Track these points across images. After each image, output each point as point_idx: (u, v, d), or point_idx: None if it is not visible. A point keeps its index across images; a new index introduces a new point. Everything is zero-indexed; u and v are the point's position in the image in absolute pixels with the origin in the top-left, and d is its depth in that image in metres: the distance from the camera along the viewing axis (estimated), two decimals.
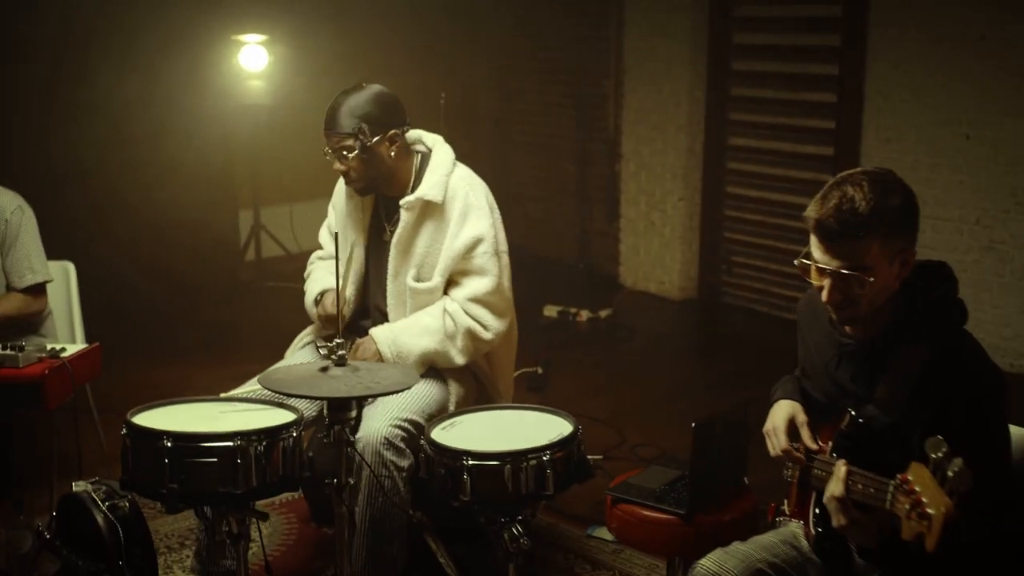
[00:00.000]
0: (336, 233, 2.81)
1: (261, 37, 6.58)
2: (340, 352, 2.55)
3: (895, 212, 2.13)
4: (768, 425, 2.41)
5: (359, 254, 3.31)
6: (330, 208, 3.43)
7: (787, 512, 2.47)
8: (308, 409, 3.03)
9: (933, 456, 1.86)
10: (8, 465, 3.65)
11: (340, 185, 3.34)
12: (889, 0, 5.56)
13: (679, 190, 6.72)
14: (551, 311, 6.41)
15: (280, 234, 7.13)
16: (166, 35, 6.21)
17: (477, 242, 3.12)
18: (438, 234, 3.14)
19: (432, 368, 3.17)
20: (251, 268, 7.12)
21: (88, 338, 4.03)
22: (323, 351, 2.62)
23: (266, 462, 2.55)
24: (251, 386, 3.00)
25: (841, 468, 2.08)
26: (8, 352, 3.25)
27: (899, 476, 1.92)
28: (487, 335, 3.15)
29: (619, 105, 7.02)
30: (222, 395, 2.99)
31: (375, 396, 2.68)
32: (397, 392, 2.54)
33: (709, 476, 2.77)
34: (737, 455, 2.88)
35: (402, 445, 2.92)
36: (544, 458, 2.50)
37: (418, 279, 3.15)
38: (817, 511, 2.30)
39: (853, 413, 2.22)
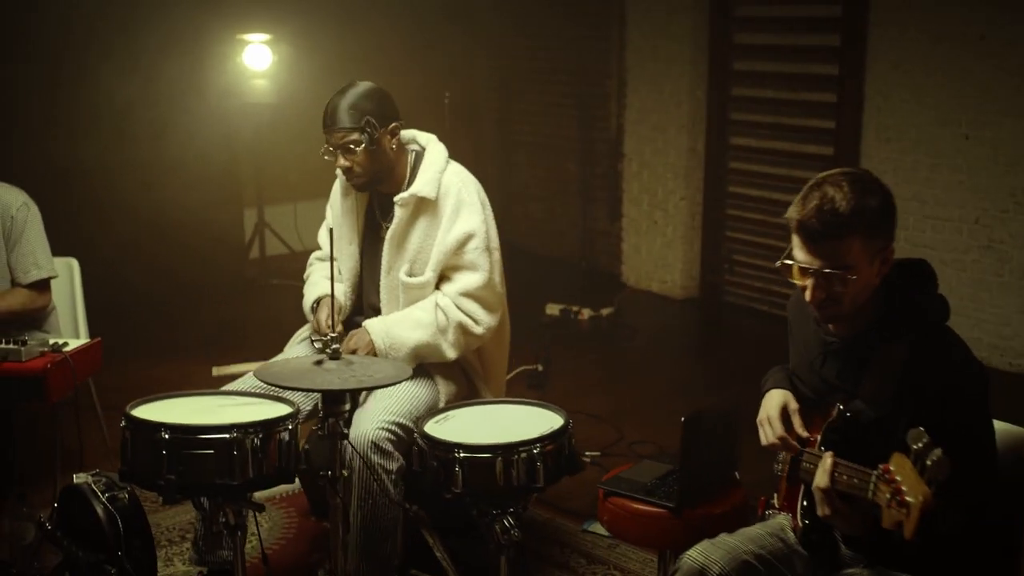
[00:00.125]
0: (331, 229, 2.85)
1: (265, 36, 6.64)
2: (334, 346, 2.59)
3: (875, 211, 2.17)
4: (762, 415, 2.44)
5: (354, 251, 3.35)
6: (328, 209, 3.47)
7: (776, 505, 2.51)
8: (305, 403, 3.07)
9: (914, 447, 1.90)
10: (11, 458, 3.69)
11: (337, 186, 3.39)
12: (889, 0, 5.59)
13: (681, 189, 6.75)
14: (553, 309, 6.45)
15: (284, 232, 7.19)
16: (169, 34, 6.26)
17: (469, 237, 3.16)
18: (431, 230, 3.18)
19: (421, 368, 3.20)
20: (255, 266, 7.17)
21: (92, 335, 4.08)
22: (317, 344, 2.67)
23: (262, 454, 2.59)
24: (247, 377, 3.04)
25: (827, 460, 2.11)
26: (10, 346, 3.30)
27: (881, 466, 1.96)
28: (478, 329, 3.19)
29: (621, 105, 7.06)
30: (213, 368, 3.02)
31: (368, 389, 2.72)
32: (390, 385, 2.57)
33: (699, 470, 2.80)
34: (728, 450, 2.91)
35: (390, 448, 2.95)
36: (535, 451, 2.55)
37: (411, 274, 3.20)
38: (805, 503, 2.34)
39: (841, 407, 2.26)
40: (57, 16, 5.93)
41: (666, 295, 6.92)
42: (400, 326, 3.16)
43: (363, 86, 3.15)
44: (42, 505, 3.48)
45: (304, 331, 3.50)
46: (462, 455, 2.53)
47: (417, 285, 3.19)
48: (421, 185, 3.17)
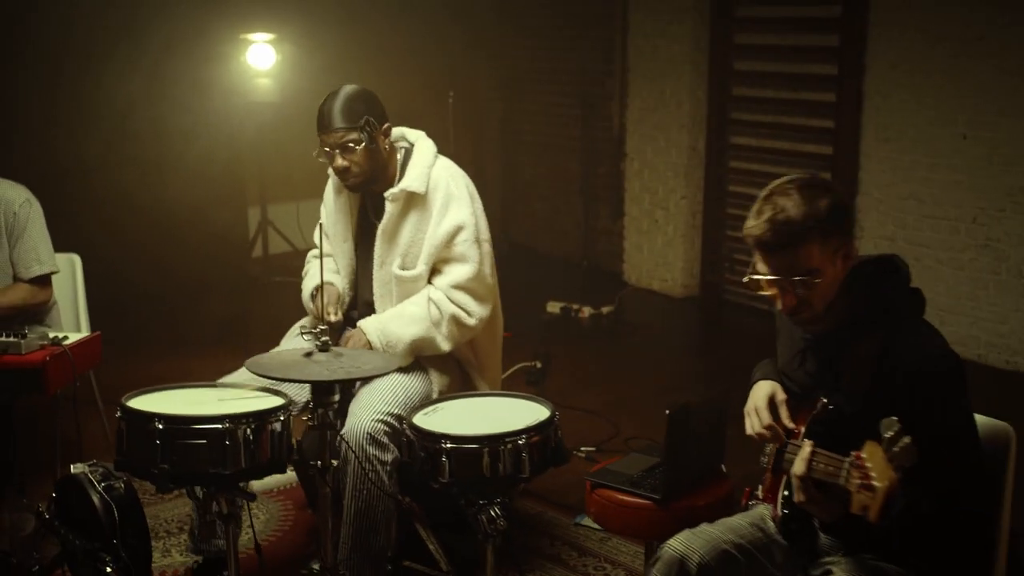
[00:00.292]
0: (320, 224, 2.90)
1: (269, 36, 6.69)
2: (324, 339, 2.64)
3: (826, 213, 2.20)
4: (749, 405, 2.48)
5: (349, 248, 3.40)
6: (322, 208, 3.53)
7: (760, 496, 2.55)
8: (298, 395, 3.12)
9: (885, 435, 1.94)
10: (11, 451, 3.74)
11: (329, 186, 3.45)
12: (888, 1, 5.61)
13: (681, 188, 6.79)
14: (554, 307, 6.49)
15: (287, 230, 7.24)
16: (173, 34, 6.32)
17: (458, 230, 3.22)
18: (422, 223, 3.23)
19: (415, 360, 3.25)
20: (258, 264, 7.22)
21: (94, 330, 4.12)
22: (307, 337, 2.71)
23: (255, 445, 2.63)
24: (243, 371, 3.09)
25: (806, 448, 2.15)
26: (10, 339, 3.35)
27: (853, 453, 2.01)
28: (471, 321, 3.24)
29: (623, 104, 7.10)
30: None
31: (356, 380, 2.77)
32: (378, 376, 2.61)
33: (684, 462, 2.83)
34: (715, 442, 2.95)
35: (385, 440, 2.99)
36: (520, 442, 2.58)
37: (403, 267, 3.25)
38: (786, 493, 2.37)
39: (825, 400, 2.30)
40: (60, 16, 5.99)
41: (666, 293, 6.95)
42: (394, 323, 3.21)
43: (355, 88, 3.20)
44: (42, 497, 3.53)
45: (304, 322, 3.54)
46: (449, 446, 2.57)
47: (410, 278, 3.24)
48: (410, 180, 3.22)
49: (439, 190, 3.23)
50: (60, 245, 4.01)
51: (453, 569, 3.23)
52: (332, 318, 3.19)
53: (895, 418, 1.96)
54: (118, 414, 2.71)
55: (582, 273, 7.13)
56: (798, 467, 2.14)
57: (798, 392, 2.46)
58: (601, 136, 7.33)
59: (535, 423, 2.65)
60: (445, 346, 3.24)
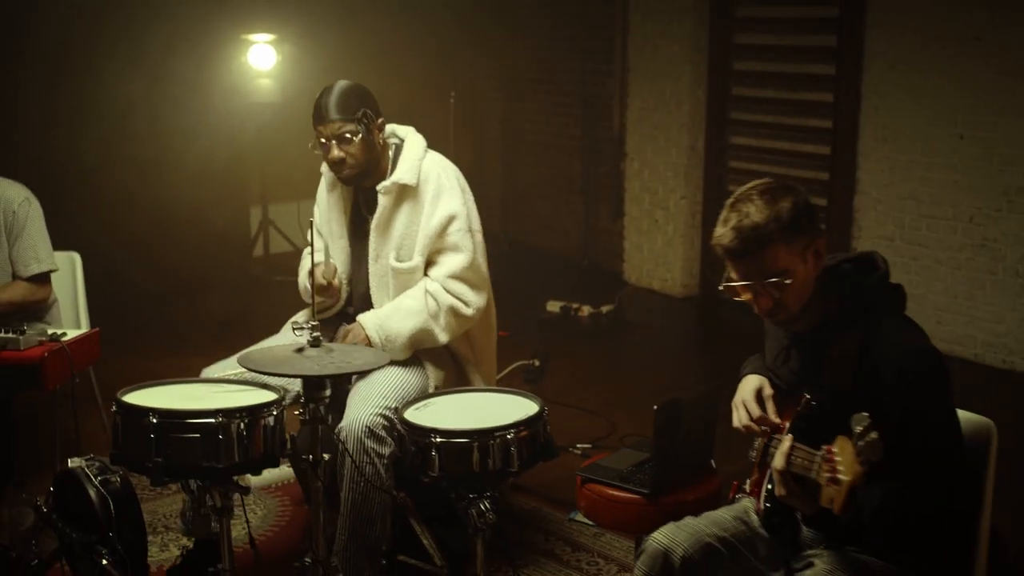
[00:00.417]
0: (312, 220, 2.93)
1: (270, 36, 6.73)
2: (315, 334, 2.68)
3: (788, 214, 2.23)
4: (737, 398, 2.52)
5: (344, 244, 3.44)
6: (315, 210, 3.57)
7: (747, 490, 2.57)
8: (292, 390, 3.15)
9: (855, 429, 1.97)
10: (11, 447, 3.77)
11: (322, 184, 3.49)
12: (886, 2, 5.63)
13: (681, 188, 6.81)
14: (554, 306, 6.52)
15: (288, 230, 7.28)
16: (174, 34, 6.36)
17: (451, 219, 3.26)
18: (415, 215, 3.27)
19: (412, 356, 3.28)
20: (260, 263, 7.26)
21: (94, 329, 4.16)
22: (298, 333, 2.75)
23: (248, 439, 2.66)
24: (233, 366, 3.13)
25: (785, 442, 2.18)
26: (9, 335, 3.39)
27: (824, 447, 2.04)
28: (468, 311, 3.29)
29: (623, 104, 7.13)
30: (204, 370, 3.11)
31: (346, 375, 2.80)
32: (367, 371, 2.64)
33: (673, 457, 2.86)
34: (705, 438, 2.97)
35: (383, 433, 3.03)
36: (509, 436, 2.61)
37: (399, 260, 3.29)
38: (769, 487, 2.40)
39: (808, 396, 2.33)
40: (60, 16, 6.02)
41: (666, 293, 6.98)
42: (393, 318, 3.24)
43: (349, 83, 3.25)
44: (42, 493, 3.56)
45: (299, 317, 3.58)
46: (438, 440, 2.61)
47: (407, 270, 3.28)
48: (402, 173, 3.27)
49: (430, 182, 3.27)
50: (60, 245, 4.05)
51: (446, 563, 3.25)
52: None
53: (866, 414, 1.99)
54: (113, 409, 2.74)
55: (582, 272, 7.16)
56: (777, 461, 2.17)
57: (784, 389, 2.49)
58: (601, 136, 7.36)
59: (524, 418, 2.68)
60: (443, 337, 3.28)
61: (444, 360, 3.36)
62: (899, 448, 2.12)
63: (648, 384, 5.32)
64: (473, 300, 3.30)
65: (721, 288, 2.35)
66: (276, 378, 2.79)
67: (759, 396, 2.48)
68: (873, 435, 1.94)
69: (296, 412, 2.73)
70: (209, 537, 3.09)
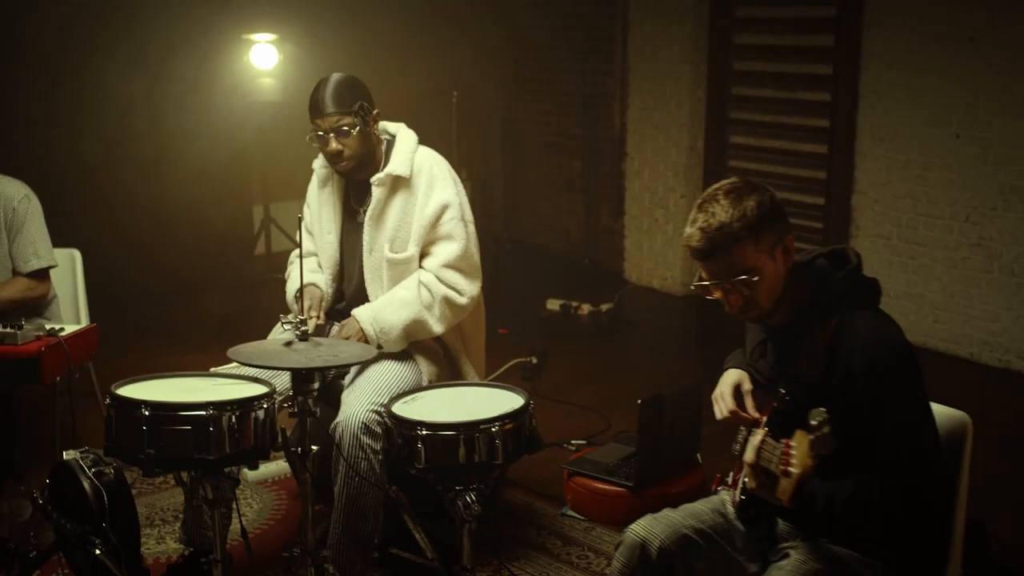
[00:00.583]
0: (299, 217, 2.98)
1: (271, 36, 6.77)
2: (303, 328, 2.72)
3: (753, 212, 2.26)
4: (716, 392, 2.56)
5: (333, 240, 3.49)
6: (305, 208, 3.61)
7: (729, 483, 2.61)
8: (285, 384, 3.19)
9: (811, 423, 2.01)
10: (10, 441, 3.82)
11: (313, 184, 3.54)
12: (883, 2, 5.66)
13: (681, 187, 6.84)
14: (553, 304, 6.55)
15: (290, 228, 7.32)
16: (176, 34, 6.40)
17: (444, 209, 3.31)
18: (408, 207, 3.32)
19: (404, 350, 3.32)
20: (261, 261, 7.31)
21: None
22: (286, 327, 2.79)
23: (238, 431, 2.70)
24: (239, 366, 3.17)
25: (756, 436, 2.22)
26: (7, 330, 3.44)
27: (784, 441, 2.08)
28: (462, 300, 3.33)
29: (623, 104, 7.16)
30: (211, 370, 3.15)
31: (334, 368, 2.84)
32: (355, 364, 2.67)
33: (658, 451, 2.89)
34: (690, 432, 3.01)
35: (378, 430, 3.06)
36: (494, 429, 2.65)
37: (393, 251, 3.33)
38: (745, 480, 2.44)
39: (783, 391, 2.36)
40: (60, 16, 6.07)
41: (666, 291, 7.01)
42: (387, 310, 3.29)
43: (345, 75, 3.30)
44: (40, 486, 3.62)
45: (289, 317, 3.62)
46: (424, 433, 2.65)
47: (402, 260, 3.33)
48: (395, 165, 3.32)
49: (423, 173, 3.32)
50: (61, 244, 4.10)
51: (437, 556, 3.29)
52: (313, 323, 3.25)
53: (823, 408, 2.04)
54: (107, 401, 2.79)
55: (583, 271, 7.19)
56: (748, 454, 2.21)
57: (764, 383, 2.52)
58: (602, 136, 7.39)
59: (509, 411, 2.72)
60: (438, 328, 3.32)
61: (436, 355, 3.40)
62: (870, 439, 2.16)
63: (645, 381, 5.32)
64: (467, 289, 3.34)
65: (692, 287, 2.38)
66: (270, 374, 2.84)
67: (737, 391, 2.52)
68: (826, 429, 1.99)
69: (285, 405, 2.77)
70: (206, 546, 3.14)
